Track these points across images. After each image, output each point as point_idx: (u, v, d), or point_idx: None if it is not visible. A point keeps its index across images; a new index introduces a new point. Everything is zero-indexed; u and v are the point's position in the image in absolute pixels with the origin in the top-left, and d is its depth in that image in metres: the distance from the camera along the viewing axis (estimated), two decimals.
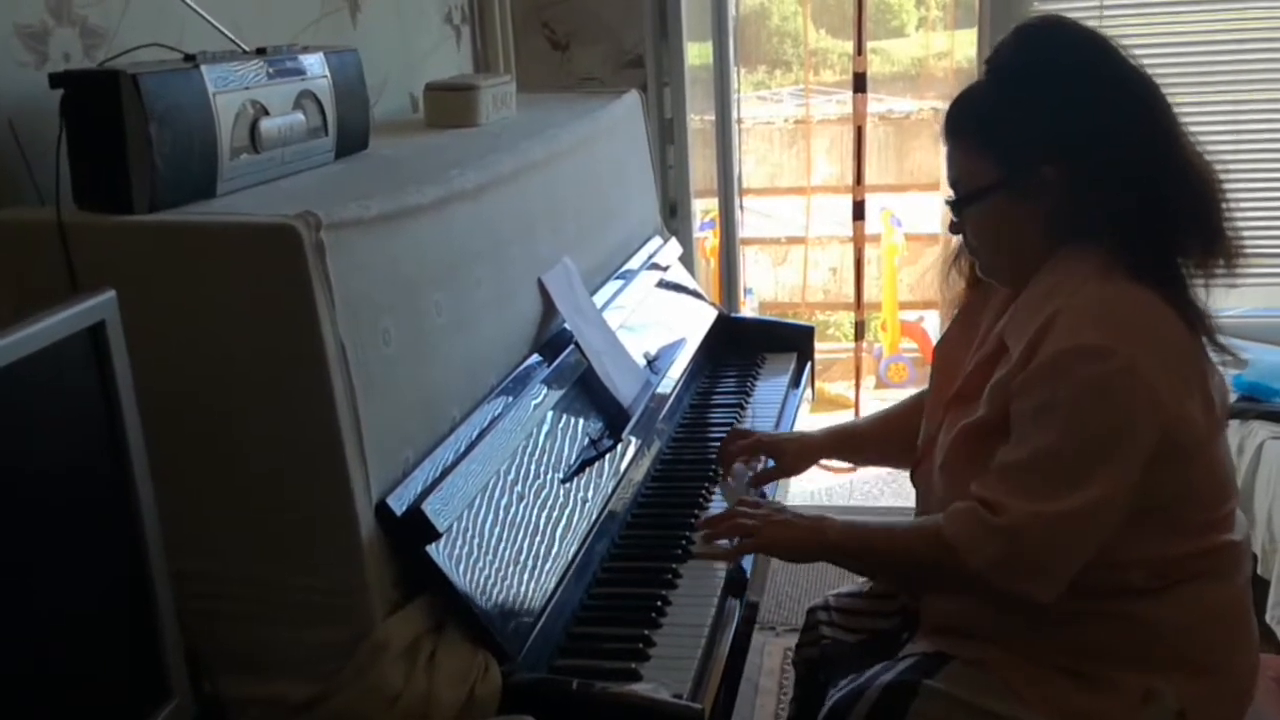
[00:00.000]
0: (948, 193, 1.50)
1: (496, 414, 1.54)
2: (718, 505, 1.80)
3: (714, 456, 1.93)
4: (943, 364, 1.61)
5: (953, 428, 1.46)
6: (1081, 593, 1.35)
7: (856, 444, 1.88)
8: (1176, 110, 1.41)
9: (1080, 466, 1.31)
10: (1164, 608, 1.39)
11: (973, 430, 1.42)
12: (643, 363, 2.03)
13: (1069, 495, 1.30)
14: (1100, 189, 1.37)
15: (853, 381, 4.68)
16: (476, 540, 1.38)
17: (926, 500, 1.57)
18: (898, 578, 1.61)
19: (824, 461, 2.17)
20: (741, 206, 3.51)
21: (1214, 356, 1.41)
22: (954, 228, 1.50)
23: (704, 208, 3.68)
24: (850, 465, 3.96)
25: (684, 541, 1.65)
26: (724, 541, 1.56)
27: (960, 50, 6.43)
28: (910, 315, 5.65)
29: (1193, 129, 1.42)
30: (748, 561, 1.62)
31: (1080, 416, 1.31)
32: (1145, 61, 1.42)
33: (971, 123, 1.44)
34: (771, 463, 1.86)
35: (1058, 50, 1.41)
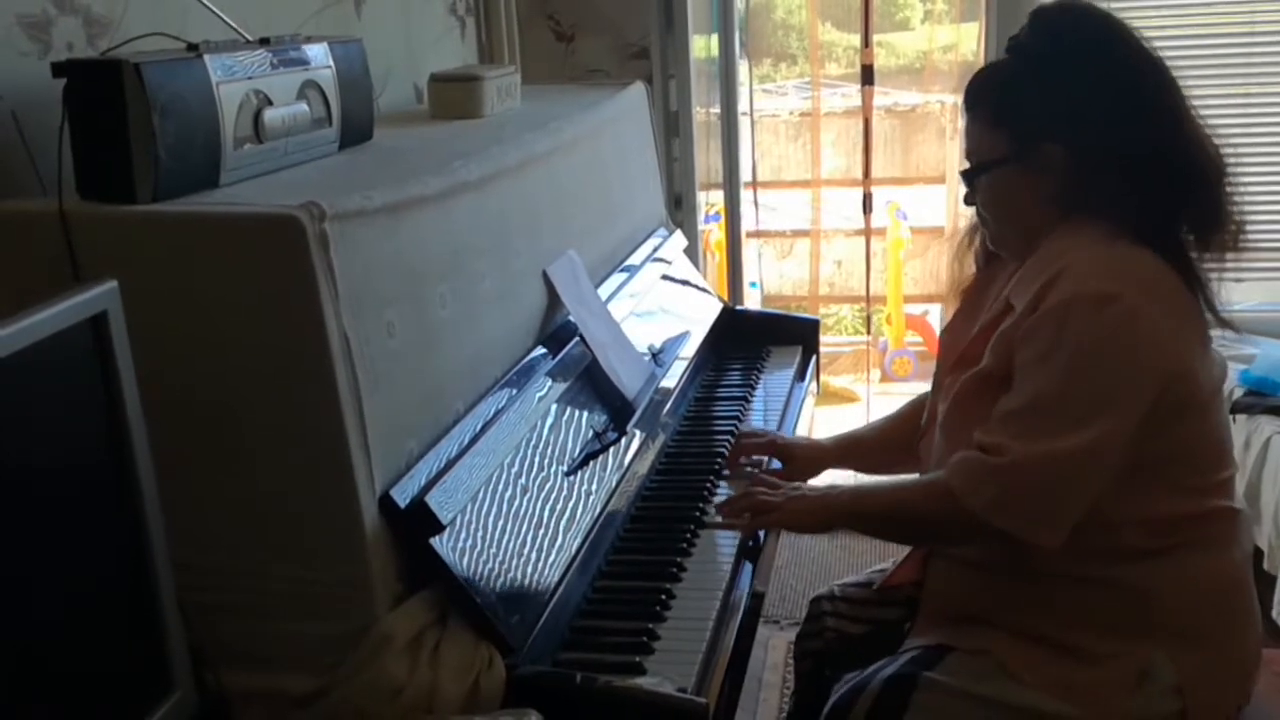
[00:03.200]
0: (959, 171, 1.56)
1: (500, 406, 1.54)
2: (722, 497, 1.79)
3: (719, 449, 1.93)
4: (948, 345, 1.64)
5: (955, 386, 1.49)
6: (1078, 555, 1.37)
7: (862, 451, 1.89)
8: (1186, 92, 1.45)
9: (1081, 408, 1.34)
10: (1160, 574, 1.41)
11: (975, 382, 1.45)
12: (647, 355, 2.02)
13: (1069, 435, 1.33)
14: (1102, 169, 1.42)
15: (856, 374, 4.67)
16: (480, 533, 1.38)
17: (927, 468, 1.59)
18: (907, 534, 1.62)
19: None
20: (756, 202, 3.50)
21: (1211, 322, 1.45)
22: (968, 198, 1.56)
23: (710, 201, 3.68)
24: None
25: (689, 535, 1.65)
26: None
27: (966, 44, 6.40)
28: (915, 309, 5.62)
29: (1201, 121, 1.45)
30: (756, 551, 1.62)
31: (1082, 360, 1.34)
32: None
33: (986, 97, 1.51)
34: (778, 465, 1.88)
35: (1071, 33, 1.46)
